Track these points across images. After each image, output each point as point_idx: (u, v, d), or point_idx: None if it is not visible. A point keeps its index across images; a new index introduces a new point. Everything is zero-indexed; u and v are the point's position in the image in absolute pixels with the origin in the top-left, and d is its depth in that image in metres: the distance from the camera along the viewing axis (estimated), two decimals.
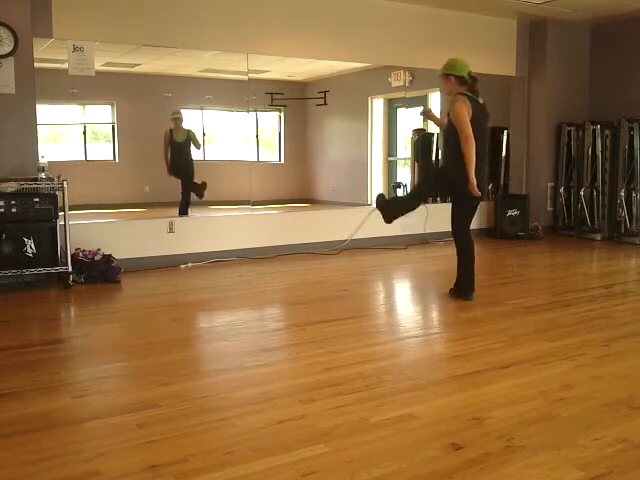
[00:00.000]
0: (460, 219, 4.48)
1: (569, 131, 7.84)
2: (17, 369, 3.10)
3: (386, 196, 4.80)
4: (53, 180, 4.92)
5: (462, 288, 4.51)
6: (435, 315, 4.41)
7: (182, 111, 7.59)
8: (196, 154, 7.53)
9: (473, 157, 4.10)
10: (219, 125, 8.62)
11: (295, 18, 6.42)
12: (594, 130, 7.56)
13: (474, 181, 4.13)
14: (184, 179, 7.19)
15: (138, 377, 3.06)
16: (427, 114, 4.92)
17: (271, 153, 9.30)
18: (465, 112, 4.12)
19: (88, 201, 6.77)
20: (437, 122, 4.91)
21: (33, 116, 5.20)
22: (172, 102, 7.85)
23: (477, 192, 4.16)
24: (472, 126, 4.12)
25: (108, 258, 5.29)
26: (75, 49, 5.41)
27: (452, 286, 4.60)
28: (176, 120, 7.38)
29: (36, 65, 5.19)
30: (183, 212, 6.92)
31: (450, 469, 2.07)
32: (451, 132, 4.26)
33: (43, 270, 4.92)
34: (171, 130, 7.23)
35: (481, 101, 4.31)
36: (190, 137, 7.42)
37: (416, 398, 2.73)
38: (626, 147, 7.32)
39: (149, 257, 5.82)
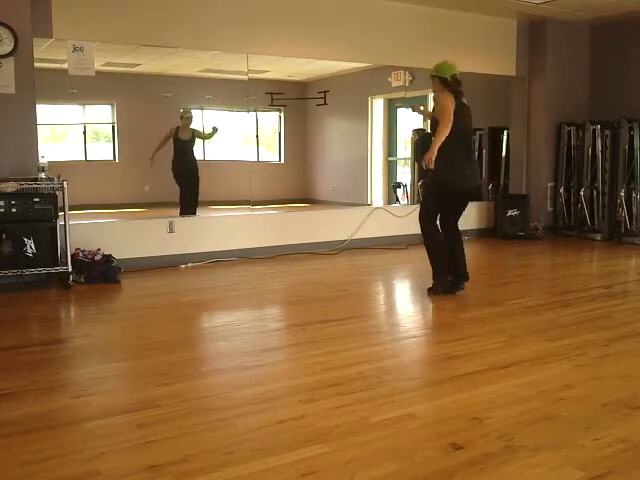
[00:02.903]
0: (435, 211, 4.62)
1: (569, 131, 7.84)
2: (17, 369, 3.10)
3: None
4: (53, 180, 4.92)
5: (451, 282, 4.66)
6: (435, 315, 4.40)
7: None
8: (197, 154, 7.54)
9: (443, 138, 4.32)
10: (219, 125, 8.63)
11: (295, 18, 6.42)
12: (594, 130, 7.56)
13: (433, 151, 4.29)
14: (190, 177, 7.18)
15: (138, 377, 3.06)
16: (414, 108, 5.33)
17: (271, 153, 9.30)
18: (451, 104, 4.36)
19: (88, 201, 6.78)
20: (426, 114, 5.22)
21: (33, 116, 5.19)
22: (172, 102, 7.86)
23: (427, 164, 4.33)
24: (455, 123, 4.33)
25: (108, 258, 5.29)
26: (75, 49, 5.41)
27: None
28: (186, 119, 7.41)
29: (36, 65, 5.19)
30: (191, 211, 6.92)
31: (450, 469, 2.07)
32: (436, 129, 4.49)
33: (43, 270, 4.91)
34: (177, 127, 7.23)
35: (465, 101, 4.51)
36: (196, 135, 7.46)
37: (416, 398, 2.73)
38: (626, 147, 7.31)
39: (149, 257, 5.82)
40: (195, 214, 6.89)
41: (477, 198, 4.42)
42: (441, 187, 4.53)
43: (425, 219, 4.63)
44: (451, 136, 4.35)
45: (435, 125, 4.47)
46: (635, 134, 7.24)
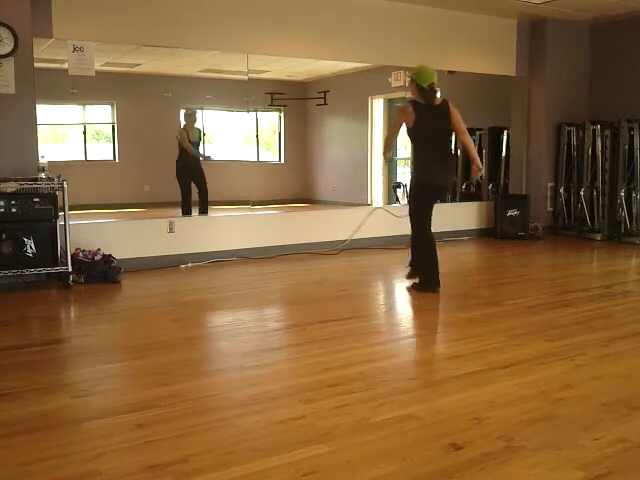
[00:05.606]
0: (423, 210, 4.79)
1: (569, 131, 7.84)
2: (17, 369, 3.10)
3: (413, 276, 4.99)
4: (53, 180, 4.92)
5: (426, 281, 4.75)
6: (435, 315, 4.40)
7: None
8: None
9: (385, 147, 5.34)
10: (219, 125, 8.64)
11: (295, 18, 6.42)
12: (594, 130, 7.56)
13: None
14: (199, 178, 7.17)
15: (138, 377, 3.06)
16: None
17: (271, 153, 9.31)
18: (397, 121, 4.78)
19: (88, 201, 6.79)
20: None
21: (33, 116, 5.19)
22: (172, 102, 7.87)
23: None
24: (417, 128, 4.62)
25: (108, 258, 5.28)
26: (75, 49, 5.41)
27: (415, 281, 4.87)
28: (191, 116, 7.41)
29: (36, 65, 5.18)
30: (204, 211, 6.96)
31: (450, 469, 2.07)
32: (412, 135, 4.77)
33: (43, 270, 4.91)
34: (185, 128, 7.22)
35: (438, 102, 4.64)
36: (200, 138, 7.47)
37: (416, 398, 2.73)
38: (626, 147, 7.31)
39: (149, 257, 5.82)
40: (207, 213, 6.91)
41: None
42: (418, 186, 4.75)
43: (419, 219, 4.76)
44: (417, 140, 4.69)
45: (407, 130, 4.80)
46: (635, 134, 7.24)
